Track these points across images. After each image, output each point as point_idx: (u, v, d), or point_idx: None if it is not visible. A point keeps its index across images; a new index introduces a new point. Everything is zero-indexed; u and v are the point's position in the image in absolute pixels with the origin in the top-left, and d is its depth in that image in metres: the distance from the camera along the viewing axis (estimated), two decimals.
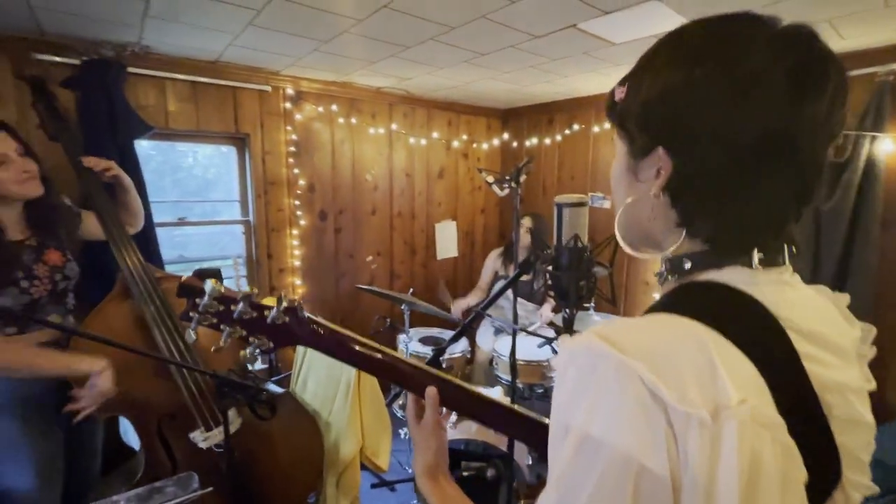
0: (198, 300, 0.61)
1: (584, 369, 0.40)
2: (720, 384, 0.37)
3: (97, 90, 2.00)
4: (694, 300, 0.45)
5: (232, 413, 1.57)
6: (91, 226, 1.61)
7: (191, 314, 0.61)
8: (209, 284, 0.61)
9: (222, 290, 0.62)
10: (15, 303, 1.34)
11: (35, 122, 1.71)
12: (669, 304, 0.45)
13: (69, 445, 1.53)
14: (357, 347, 0.66)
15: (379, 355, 0.67)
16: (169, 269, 2.37)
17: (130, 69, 2.13)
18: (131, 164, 2.11)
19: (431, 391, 0.66)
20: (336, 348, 0.66)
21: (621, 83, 0.49)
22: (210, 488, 1.17)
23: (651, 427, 0.36)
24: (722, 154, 0.42)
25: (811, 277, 2.20)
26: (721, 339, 0.39)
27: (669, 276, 0.50)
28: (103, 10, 1.70)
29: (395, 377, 0.68)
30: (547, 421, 0.44)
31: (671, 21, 1.72)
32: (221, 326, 0.63)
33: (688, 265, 0.47)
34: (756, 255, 0.45)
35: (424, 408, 0.67)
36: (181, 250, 3.14)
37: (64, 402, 1.41)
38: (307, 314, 0.65)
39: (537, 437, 0.65)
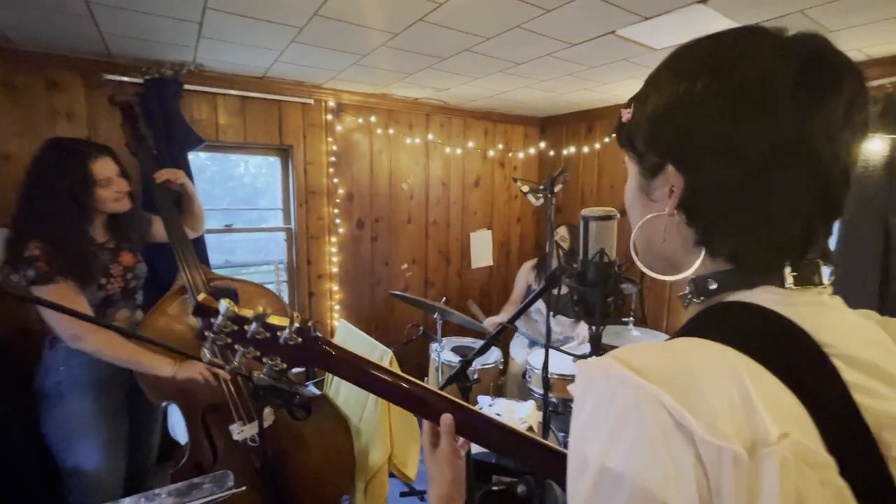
0: (213, 320, 0.62)
1: (601, 395, 0.37)
2: (756, 416, 0.33)
3: (157, 106, 2.16)
4: (722, 323, 0.42)
5: (266, 410, 1.64)
6: (158, 229, 1.77)
7: (206, 333, 0.62)
8: (223, 305, 0.61)
9: (236, 310, 0.63)
10: (93, 298, 1.50)
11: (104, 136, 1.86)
12: (695, 328, 0.42)
13: (131, 429, 1.67)
14: (370, 371, 0.65)
15: (392, 380, 0.65)
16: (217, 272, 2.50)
17: (186, 86, 2.29)
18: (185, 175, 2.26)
19: (447, 419, 0.63)
20: (348, 371, 0.65)
21: (627, 105, 0.48)
22: (244, 487, 1.21)
23: (676, 460, 0.33)
24: (732, 167, 0.40)
25: (879, 299, 2.01)
26: (755, 366, 0.36)
27: (694, 299, 0.46)
28: (164, 33, 1.83)
29: (409, 403, 0.65)
30: None
31: (717, 24, 1.65)
32: (235, 346, 0.63)
33: (713, 286, 0.44)
34: (789, 274, 0.41)
35: (440, 436, 0.65)
36: (228, 255, 3.30)
37: (130, 387, 1.58)
38: (319, 334, 0.64)
39: (561, 471, 0.61)
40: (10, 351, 1.93)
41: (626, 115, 0.48)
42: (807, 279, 0.42)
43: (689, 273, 0.46)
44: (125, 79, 2.15)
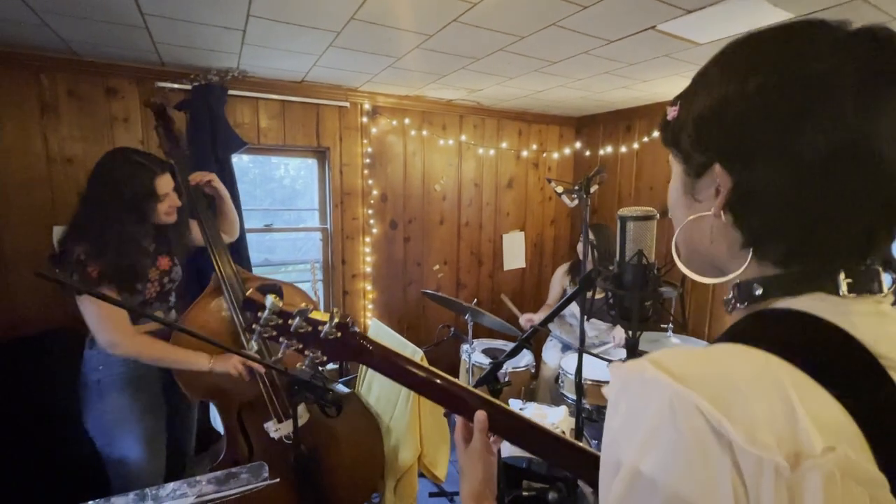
0: (259, 314, 0.66)
1: (636, 399, 0.37)
2: (800, 428, 0.32)
3: (203, 111, 2.27)
4: (767, 330, 0.40)
5: (301, 408, 1.68)
6: (195, 234, 1.82)
7: (253, 326, 0.67)
8: (269, 300, 0.66)
9: (281, 304, 0.67)
10: (130, 301, 1.55)
11: (155, 141, 1.97)
12: (737, 334, 0.41)
13: (170, 423, 1.74)
14: (406, 366, 0.68)
15: (426, 375, 0.67)
16: (256, 271, 2.60)
17: (230, 91, 2.39)
18: (228, 177, 2.36)
19: (480, 416, 0.64)
20: (384, 366, 0.68)
21: (673, 102, 0.47)
22: (277, 479, 1.25)
23: (712, 469, 0.32)
24: (787, 169, 0.38)
25: None
26: (801, 376, 0.34)
27: (738, 304, 0.45)
28: (211, 41, 1.93)
29: (444, 399, 0.67)
30: None
31: (767, 16, 1.56)
32: (280, 339, 0.67)
33: (759, 291, 0.42)
34: (843, 281, 0.39)
35: (473, 432, 0.66)
36: (268, 254, 3.42)
37: (168, 383, 1.63)
38: (357, 329, 0.68)
39: (593, 473, 0.60)
40: (59, 343, 2.03)
41: (672, 112, 0.47)
42: (864, 287, 0.39)
43: (733, 276, 0.45)
44: (175, 85, 2.27)
